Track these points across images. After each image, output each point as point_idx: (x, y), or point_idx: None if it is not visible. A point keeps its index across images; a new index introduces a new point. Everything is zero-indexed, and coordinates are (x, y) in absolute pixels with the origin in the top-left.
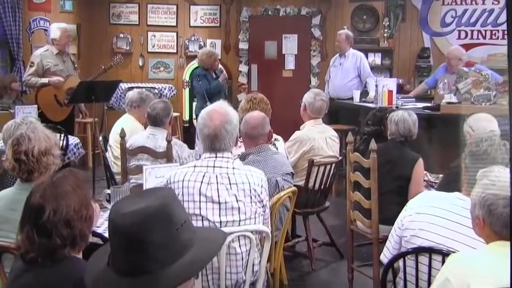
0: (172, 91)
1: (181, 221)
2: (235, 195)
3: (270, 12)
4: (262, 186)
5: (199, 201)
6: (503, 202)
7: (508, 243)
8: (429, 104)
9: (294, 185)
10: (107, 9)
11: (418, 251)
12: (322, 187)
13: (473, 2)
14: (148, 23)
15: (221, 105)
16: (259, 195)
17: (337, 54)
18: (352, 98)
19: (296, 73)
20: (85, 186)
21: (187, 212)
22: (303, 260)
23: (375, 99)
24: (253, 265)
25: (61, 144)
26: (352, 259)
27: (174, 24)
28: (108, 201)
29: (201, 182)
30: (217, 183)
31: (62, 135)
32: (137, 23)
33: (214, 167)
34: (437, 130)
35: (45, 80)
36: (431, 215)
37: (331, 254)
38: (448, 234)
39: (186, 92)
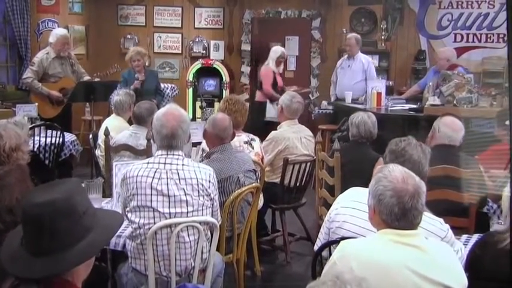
0: (175, 91)
1: (83, 209)
2: (184, 189)
3: (271, 15)
4: (210, 181)
5: (151, 195)
6: (390, 193)
7: (394, 231)
8: (415, 106)
9: (271, 182)
10: (115, 10)
11: (341, 240)
12: (297, 184)
13: (469, 6)
14: (155, 25)
15: (175, 107)
16: (206, 190)
17: (345, 56)
18: (357, 99)
19: (297, 74)
20: (29, 179)
21: (140, 204)
22: (280, 253)
23: (365, 100)
24: (202, 253)
25: (57, 141)
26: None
27: (179, 25)
28: None
29: (153, 178)
30: (167, 178)
31: (58, 132)
32: (144, 24)
33: (165, 163)
34: (420, 131)
35: (45, 91)
36: (352, 208)
37: (307, 248)
38: (365, 225)
39: (189, 92)
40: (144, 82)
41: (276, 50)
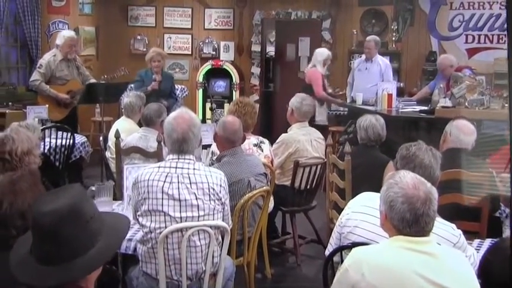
0: (185, 92)
1: (90, 215)
2: (195, 193)
3: (281, 16)
4: (221, 185)
5: (162, 199)
6: (401, 199)
7: (406, 238)
8: (426, 108)
9: (281, 185)
10: (124, 11)
11: (353, 245)
12: (308, 187)
13: (481, 7)
14: (165, 26)
15: (185, 111)
16: (217, 194)
17: (362, 58)
18: (368, 101)
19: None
20: (40, 184)
21: (151, 208)
22: (290, 256)
23: (375, 102)
24: (213, 257)
25: (67, 143)
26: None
27: (189, 26)
28: (93, 197)
29: (164, 181)
30: (178, 182)
31: (69, 134)
32: (154, 25)
33: (176, 167)
34: (431, 133)
35: (53, 94)
36: (364, 213)
37: (317, 251)
38: (377, 230)
39: (199, 93)
40: (160, 83)
41: (322, 53)
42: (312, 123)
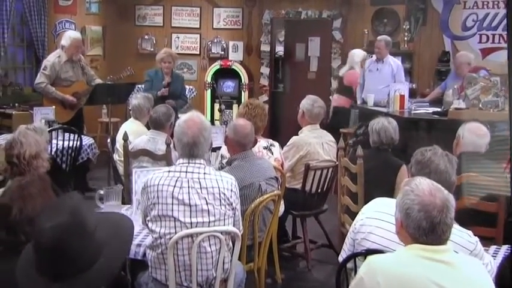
0: (193, 92)
1: (94, 224)
2: (205, 199)
3: (291, 15)
4: (231, 190)
5: (172, 204)
6: (418, 207)
7: (422, 246)
8: (439, 109)
9: (292, 188)
10: (132, 11)
11: (367, 252)
12: (319, 190)
13: (495, 6)
14: (173, 25)
15: (196, 114)
16: (228, 199)
17: (373, 58)
18: (380, 102)
19: (318, 75)
20: (50, 189)
21: (161, 214)
22: (301, 260)
23: (387, 103)
24: (223, 263)
25: (74, 145)
26: None
27: (198, 26)
28: (101, 200)
29: (174, 186)
30: (188, 187)
31: (76, 135)
32: (162, 24)
33: (186, 172)
34: (445, 135)
35: (59, 96)
36: (378, 219)
37: (328, 255)
38: (391, 237)
39: (208, 94)
40: (169, 85)
41: (358, 54)
42: (347, 126)
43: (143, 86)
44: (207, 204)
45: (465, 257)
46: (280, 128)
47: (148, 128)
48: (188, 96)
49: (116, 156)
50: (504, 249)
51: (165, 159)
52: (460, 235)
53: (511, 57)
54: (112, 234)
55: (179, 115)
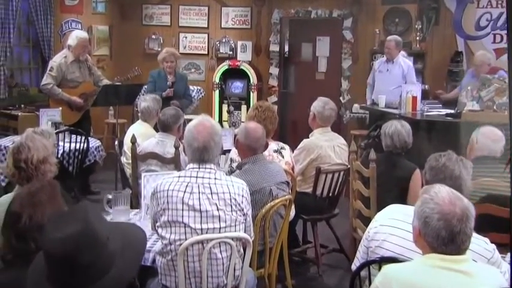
0: (201, 93)
1: (106, 235)
2: (216, 204)
3: (301, 15)
4: (243, 195)
5: (182, 210)
6: (437, 216)
7: (440, 256)
8: (452, 111)
9: (302, 192)
10: (139, 10)
11: (381, 260)
12: (330, 194)
13: None
14: (180, 25)
15: (206, 118)
16: (239, 204)
17: (383, 59)
18: (392, 104)
19: (327, 76)
20: (59, 196)
21: (171, 219)
22: (311, 265)
23: (399, 105)
24: (234, 270)
25: (81, 147)
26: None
27: (206, 25)
28: (109, 205)
29: (184, 192)
30: (199, 192)
31: (83, 137)
32: (169, 24)
33: (197, 177)
34: (458, 138)
35: (66, 97)
36: (392, 226)
37: (339, 260)
38: (406, 245)
39: (216, 94)
40: (173, 85)
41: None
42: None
43: (146, 87)
44: (217, 210)
45: (483, 266)
46: (287, 129)
47: (157, 130)
48: (196, 97)
49: (123, 159)
50: None
51: (174, 163)
52: (477, 243)
53: (511, 57)
54: (124, 245)
55: (185, 116)
